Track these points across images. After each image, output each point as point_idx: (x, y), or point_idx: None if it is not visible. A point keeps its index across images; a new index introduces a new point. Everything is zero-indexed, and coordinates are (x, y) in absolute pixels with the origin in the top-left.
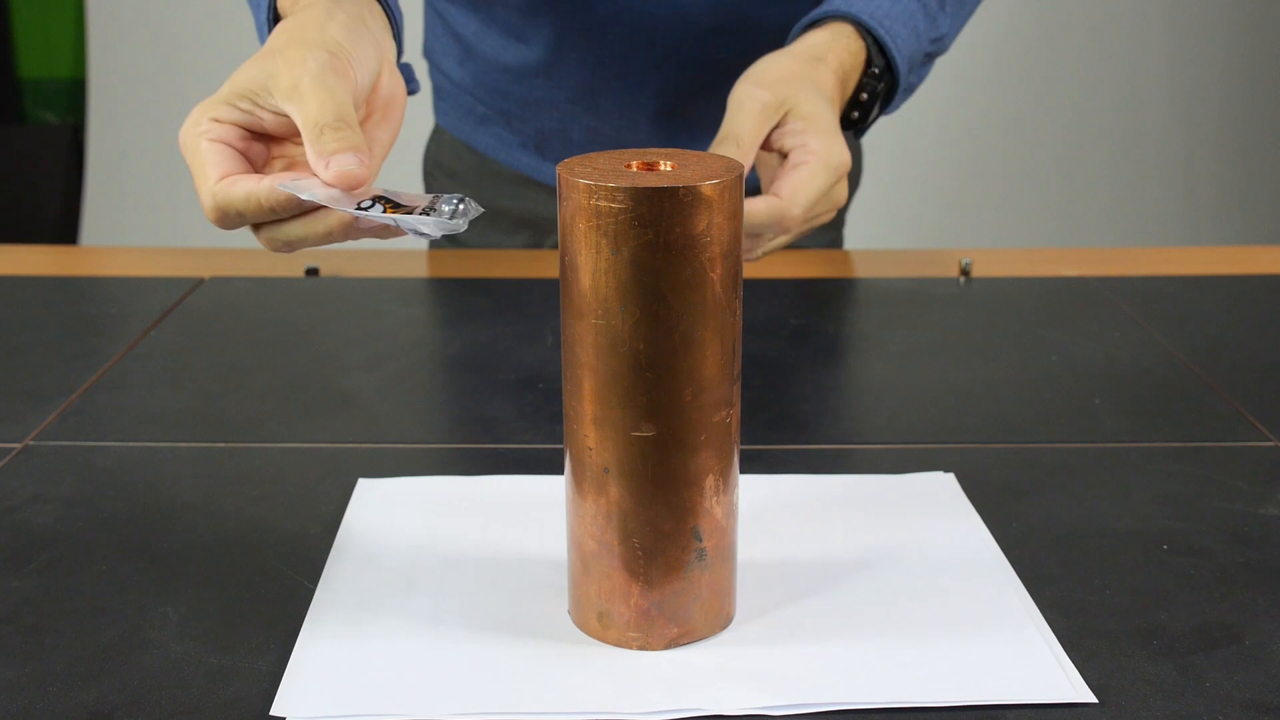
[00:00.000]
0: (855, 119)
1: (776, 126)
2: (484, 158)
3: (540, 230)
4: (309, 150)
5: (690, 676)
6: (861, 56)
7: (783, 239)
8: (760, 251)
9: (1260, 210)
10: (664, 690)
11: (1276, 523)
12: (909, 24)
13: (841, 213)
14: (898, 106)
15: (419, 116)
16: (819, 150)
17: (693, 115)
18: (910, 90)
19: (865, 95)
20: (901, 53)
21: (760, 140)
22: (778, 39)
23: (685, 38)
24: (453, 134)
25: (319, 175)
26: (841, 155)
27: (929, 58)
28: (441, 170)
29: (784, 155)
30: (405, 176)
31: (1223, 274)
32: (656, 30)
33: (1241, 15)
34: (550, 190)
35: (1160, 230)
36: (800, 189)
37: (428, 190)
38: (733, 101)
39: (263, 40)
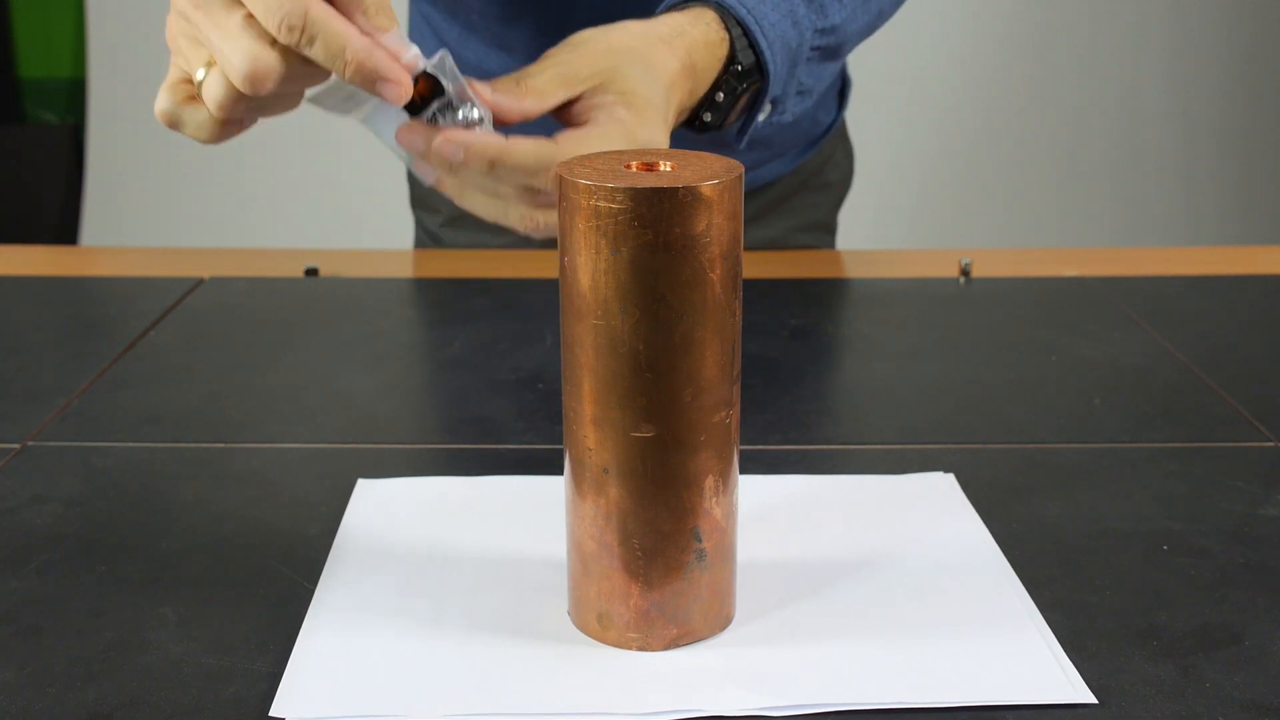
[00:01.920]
0: (708, 121)
1: (581, 99)
2: None
3: None
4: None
5: (690, 677)
6: (722, 50)
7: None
8: (543, 220)
9: (1260, 210)
10: (664, 691)
11: (1276, 523)
12: (785, 10)
13: (833, 215)
14: (790, 113)
15: None
16: (625, 119)
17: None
18: (807, 93)
19: (722, 95)
20: (773, 45)
21: (549, 97)
22: None
23: None
24: None
25: (356, 50)
26: (651, 135)
27: (821, 53)
28: None
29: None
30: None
31: (1223, 274)
32: None
33: (1241, 15)
34: None
35: (1160, 230)
36: (581, 142)
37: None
38: (542, 57)
39: None
